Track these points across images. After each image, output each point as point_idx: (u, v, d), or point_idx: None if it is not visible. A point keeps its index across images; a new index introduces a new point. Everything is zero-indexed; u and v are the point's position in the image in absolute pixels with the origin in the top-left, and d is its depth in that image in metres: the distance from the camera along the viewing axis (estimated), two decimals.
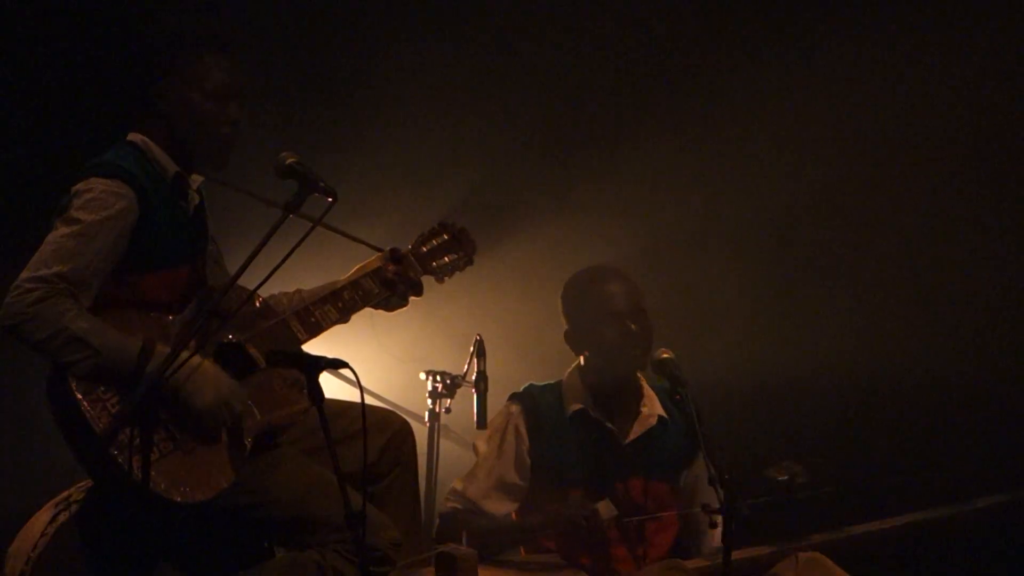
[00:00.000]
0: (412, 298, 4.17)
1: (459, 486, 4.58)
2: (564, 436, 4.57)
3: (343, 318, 4.00)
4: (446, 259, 4.27)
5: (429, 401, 5.29)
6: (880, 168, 6.08)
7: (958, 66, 5.98)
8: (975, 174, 6.02)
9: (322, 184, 3.67)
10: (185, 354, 3.45)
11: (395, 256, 4.13)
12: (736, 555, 4.05)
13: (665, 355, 4.24)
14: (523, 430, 4.58)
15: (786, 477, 4.30)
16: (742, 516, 3.77)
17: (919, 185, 6.05)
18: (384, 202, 6.08)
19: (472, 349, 4.91)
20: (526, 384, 4.69)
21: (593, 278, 4.66)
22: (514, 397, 4.66)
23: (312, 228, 3.60)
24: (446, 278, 4.29)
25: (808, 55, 6.10)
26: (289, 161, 3.72)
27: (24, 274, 3.55)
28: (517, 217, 6.24)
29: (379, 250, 4.18)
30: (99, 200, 3.63)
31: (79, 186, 3.67)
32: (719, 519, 3.81)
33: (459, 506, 4.55)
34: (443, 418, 5.33)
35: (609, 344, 4.55)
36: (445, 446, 5.37)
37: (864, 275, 6.14)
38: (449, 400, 5.27)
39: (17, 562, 3.74)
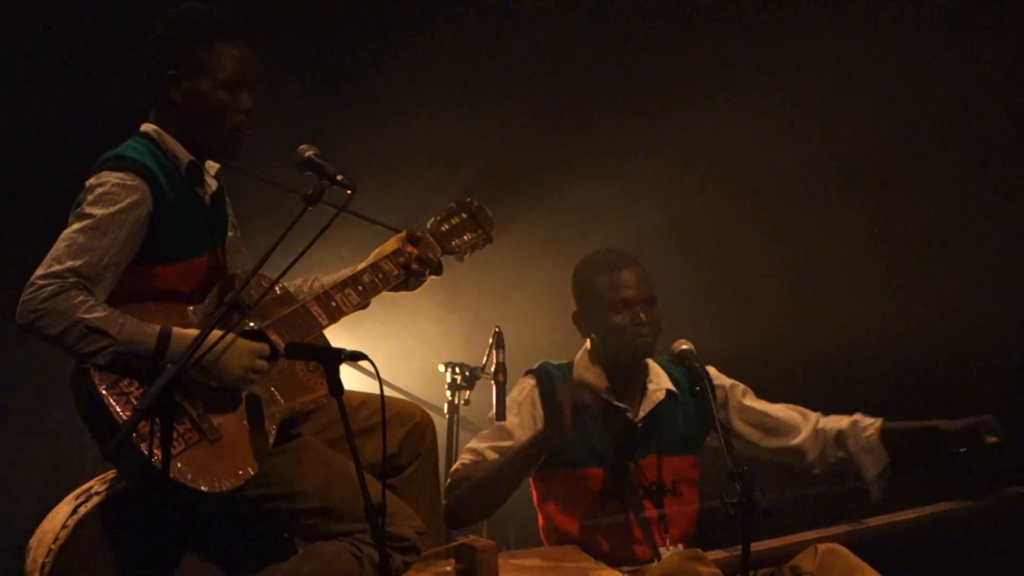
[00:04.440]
0: (431, 287, 4.17)
1: (472, 444, 4.59)
2: (577, 417, 4.58)
3: (364, 302, 4.00)
4: (465, 237, 4.27)
5: (448, 393, 5.29)
6: (919, 137, 6.02)
7: (1000, 35, 5.94)
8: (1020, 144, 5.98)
9: (340, 177, 3.68)
10: (217, 333, 3.47)
11: (413, 237, 4.14)
12: (755, 546, 4.05)
13: (684, 346, 4.24)
14: (539, 403, 4.59)
15: (996, 439, 4.37)
16: (761, 508, 3.76)
17: (961, 155, 6.00)
18: (401, 183, 6.08)
19: (491, 341, 4.91)
20: (540, 361, 4.71)
21: (605, 263, 4.66)
22: (530, 372, 4.68)
23: (332, 220, 3.60)
24: (465, 257, 4.29)
25: (842, 19, 6.07)
26: (308, 154, 3.74)
27: (38, 271, 3.56)
28: (535, 204, 6.24)
29: (397, 231, 4.18)
30: (111, 194, 3.63)
31: (91, 181, 3.68)
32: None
33: (466, 461, 4.55)
34: (462, 410, 5.34)
35: (618, 331, 4.57)
36: (464, 438, 5.36)
37: (899, 250, 6.10)
38: (468, 392, 5.27)
39: (38, 554, 3.75)
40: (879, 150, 6.07)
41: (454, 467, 4.57)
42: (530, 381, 4.65)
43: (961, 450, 4.47)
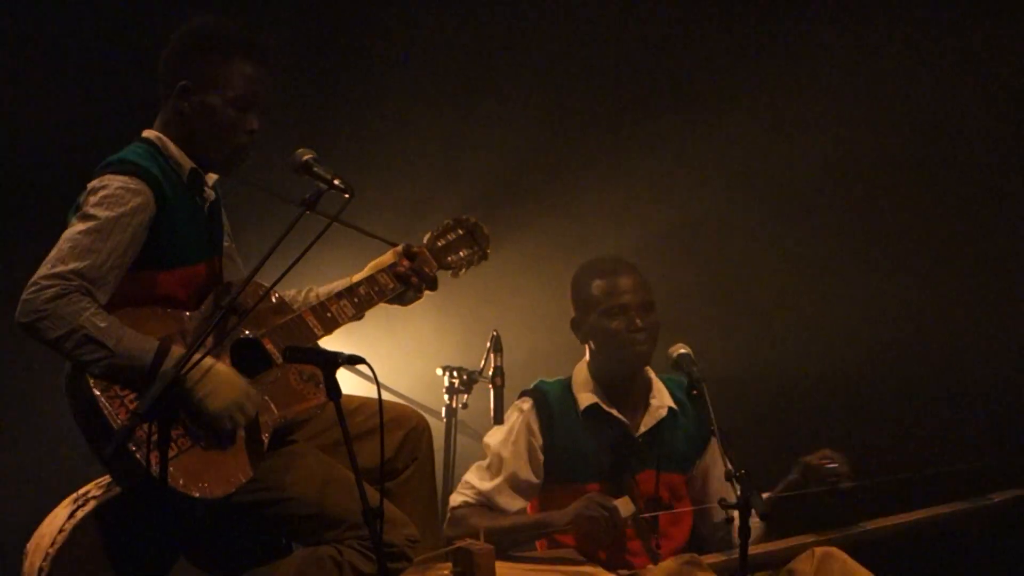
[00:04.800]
0: (427, 292, 4.18)
1: (472, 480, 4.60)
2: (577, 431, 4.59)
3: (359, 313, 4.01)
4: (461, 253, 4.28)
5: (446, 397, 5.28)
6: (918, 146, 6.00)
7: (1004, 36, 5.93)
8: None
9: (338, 181, 3.68)
10: (197, 356, 3.45)
11: (410, 251, 4.14)
12: (752, 550, 4.05)
13: (682, 350, 4.23)
14: (535, 426, 4.60)
15: (834, 466, 4.37)
16: (759, 512, 3.76)
17: (962, 165, 5.98)
18: (398, 196, 6.07)
19: (489, 344, 4.91)
20: (536, 380, 4.71)
21: (601, 270, 4.68)
22: (525, 393, 4.68)
23: (328, 225, 3.61)
24: (461, 273, 4.29)
25: (844, 29, 6.05)
26: (305, 158, 3.75)
27: (40, 271, 3.55)
28: (534, 209, 6.23)
29: (394, 245, 4.19)
30: (115, 196, 3.63)
31: (95, 183, 3.68)
32: (735, 514, 3.80)
33: (471, 500, 4.57)
34: (460, 414, 5.33)
35: (614, 338, 4.57)
36: (462, 442, 5.37)
37: (889, 265, 6.09)
38: (466, 396, 5.26)
39: (36, 558, 3.75)
40: (888, 155, 6.05)
41: (454, 503, 4.59)
42: (527, 403, 4.65)
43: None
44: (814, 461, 4.44)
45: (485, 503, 4.56)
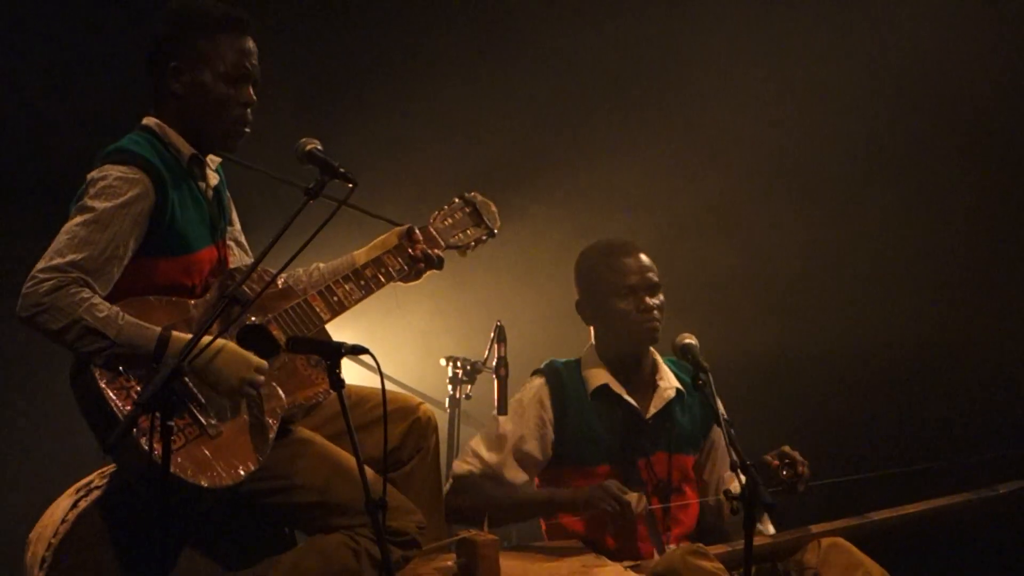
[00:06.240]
0: (433, 281, 4.15)
1: (480, 450, 4.57)
2: (587, 412, 4.58)
3: (365, 296, 3.99)
4: (468, 232, 4.25)
5: (449, 387, 5.29)
6: (945, 136, 5.98)
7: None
8: None
9: (342, 170, 3.67)
10: (206, 339, 3.45)
11: (416, 232, 4.12)
12: (758, 540, 4.03)
13: (688, 340, 4.22)
14: (547, 403, 4.59)
15: (789, 470, 4.33)
16: (764, 502, 3.75)
17: (968, 150, 5.96)
18: (405, 173, 6.06)
19: (492, 335, 4.90)
20: (548, 359, 4.70)
21: (609, 250, 4.67)
22: (538, 372, 4.68)
23: (333, 213, 3.60)
24: (469, 252, 4.27)
25: (875, 7, 6.02)
26: (309, 147, 3.73)
27: (39, 264, 3.55)
28: (539, 199, 6.22)
29: (400, 225, 4.16)
30: (113, 187, 3.63)
31: (93, 174, 3.67)
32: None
33: (477, 471, 4.55)
34: (463, 404, 5.34)
35: (623, 317, 4.56)
36: (466, 432, 5.37)
37: (896, 252, 6.08)
38: (469, 386, 5.27)
39: (38, 548, 3.75)
40: (909, 144, 6.03)
41: (459, 470, 4.57)
42: (539, 380, 4.65)
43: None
44: (769, 461, 4.38)
45: (491, 475, 4.54)
